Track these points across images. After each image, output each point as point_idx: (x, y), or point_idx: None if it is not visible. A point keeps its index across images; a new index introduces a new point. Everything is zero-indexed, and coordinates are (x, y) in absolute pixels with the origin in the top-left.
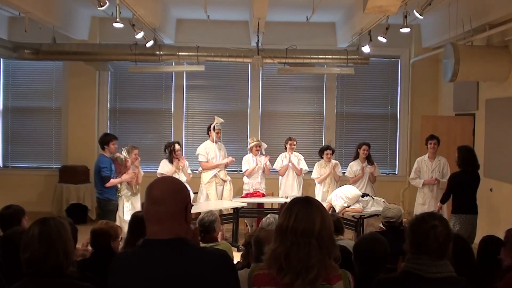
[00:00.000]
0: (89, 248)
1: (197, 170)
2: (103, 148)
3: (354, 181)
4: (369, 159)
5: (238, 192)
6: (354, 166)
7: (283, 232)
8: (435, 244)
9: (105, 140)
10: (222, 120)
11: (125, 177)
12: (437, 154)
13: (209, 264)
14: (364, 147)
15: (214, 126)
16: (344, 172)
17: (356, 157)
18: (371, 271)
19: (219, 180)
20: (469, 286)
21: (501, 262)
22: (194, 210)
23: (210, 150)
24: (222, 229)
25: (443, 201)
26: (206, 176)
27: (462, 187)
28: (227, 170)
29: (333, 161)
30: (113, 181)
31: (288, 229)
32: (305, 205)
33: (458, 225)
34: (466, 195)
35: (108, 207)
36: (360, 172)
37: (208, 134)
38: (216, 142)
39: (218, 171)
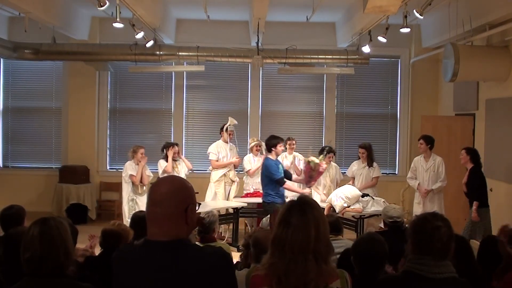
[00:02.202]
0: (90, 249)
1: (205, 169)
2: (270, 151)
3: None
4: (369, 160)
5: (239, 192)
6: (354, 166)
7: (281, 247)
8: (439, 245)
9: (273, 143)
10: (235, 122)
11: (305, 191)
12: (433, 154)
13: (208, 264)
14: (359, 149)
15: (227, 127)
16: (344, 172)
17: (359, 157)
18: (371, 271)
19: (228, 180)
20: (470, 287)
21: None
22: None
23: (221, 150)
24: (225, 229)
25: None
26: (215, 175)
27: (485, 182)
28: (235, 170)
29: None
30: (289, 186)
31: (286, 244)
32: (300, 214)
33: (485, 219)
34: (486, 190)
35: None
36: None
37: (220, 134)
38: (227, 142)
39: (228, 171)
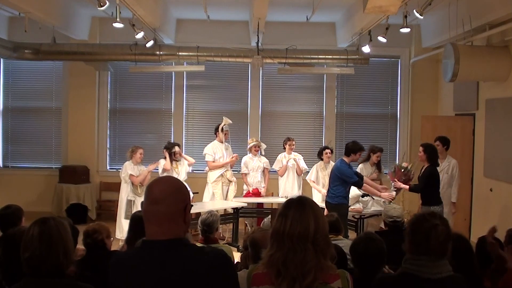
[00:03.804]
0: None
1: (203, 169)
2: (348, 155)
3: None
4: (378, 165)
5: (237, 191)
6: (365, 170)
7: (279, 237)
8: (436, 244)
9: (356, 148)
10: (230, 121)
11: (384, 195)
12: (448, 155)
13: (208, 264)
14: (378, 153)
15: (222, 127)
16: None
17: (367, 159)
18: (369, 271)
19: (225, 180)
20: (466, 283)
21: (504, 262)
22: (193, 210)
23: (217, 150)
24: (224, 230)
25: (413, 190)
26: (212, 175)
27: (437, 181)
28: (232, 170)
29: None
30: (367, 187)
31: (285, 235)
32: (298, 208)
33: None
34: (438, 188)
35: (341, 211)
36: (374, 174)
37: (215, 134)
38: (223, 142)
39: (225, 171)
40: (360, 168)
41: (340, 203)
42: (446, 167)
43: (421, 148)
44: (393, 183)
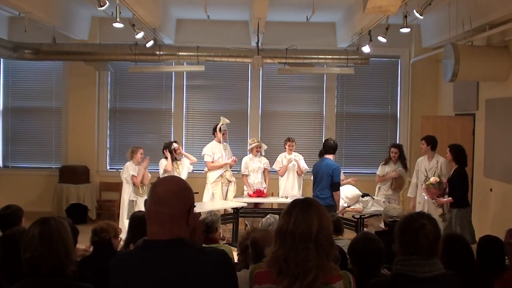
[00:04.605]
0: (90, 249)
1: (203, 170)
2: (334, 152)
3: (381, 181)
4: (403, 162)
5: (237, 192)
6: (388, 167)
7: (282, 235)
8: (425, 243)
9: (336, 145)
10: (228, 121)
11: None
12: (437, 154)
13: (208, 264)
14: (392, 149)
15: (220, 127)
16: (345, 172)
17: (389, 158)
18: (367, 271)
19: (225, 180)
20: (460, 280)
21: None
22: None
23: (216, 150)
24: (224, 230)
25: (457, 200)
26: (212, 176)
27: (466, 182)
28: (232, 170)
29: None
30: (339, 195)
31: (287, 233)
32: (303, 208)
33: (461, 219)
34: (466, 191)
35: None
36: (393, 173)
37: (214, 134)
38: (221, 142)
39: (224, 171)
40: (383, 166)
41: (330, 205)
42: (434, 166)
43: (448, 149)
44: (434, 201)
